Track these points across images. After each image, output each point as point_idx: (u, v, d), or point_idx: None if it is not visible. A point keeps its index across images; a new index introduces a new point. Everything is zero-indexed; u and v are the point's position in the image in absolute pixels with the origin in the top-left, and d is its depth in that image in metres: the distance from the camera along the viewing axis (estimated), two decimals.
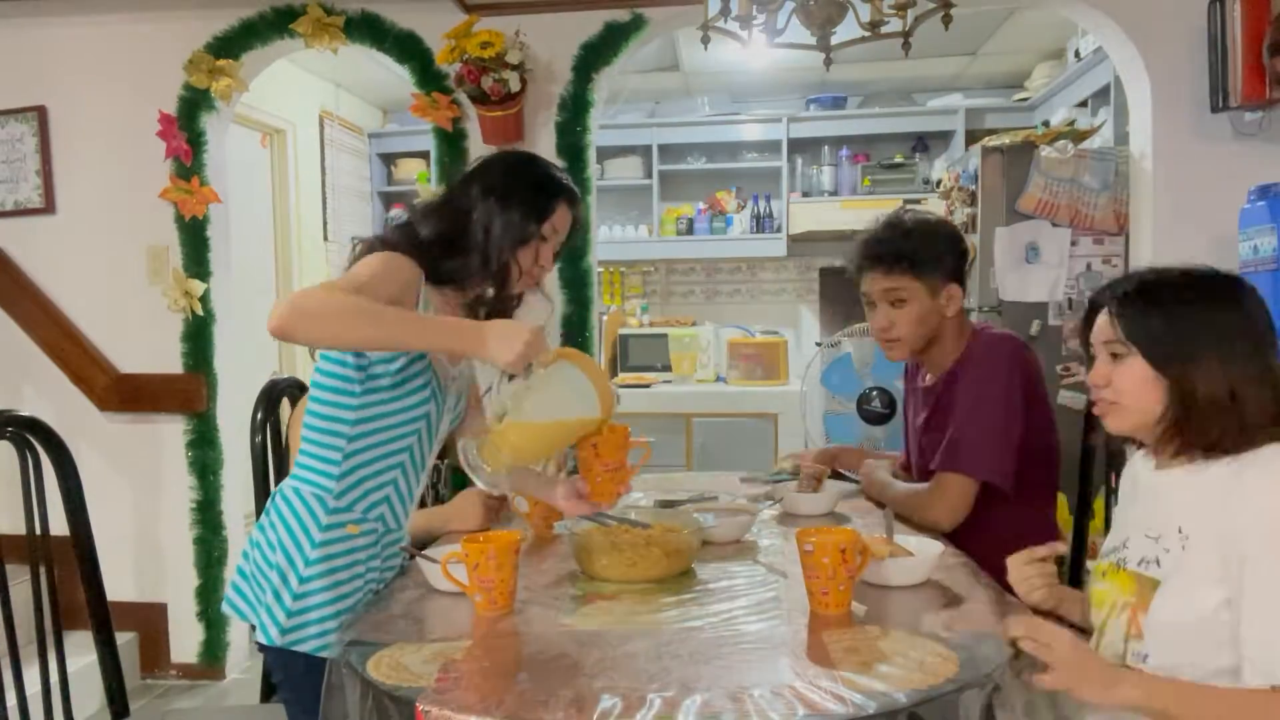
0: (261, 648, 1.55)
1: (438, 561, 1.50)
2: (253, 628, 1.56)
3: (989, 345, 1.90)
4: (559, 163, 3.08)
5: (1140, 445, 1.38)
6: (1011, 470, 1.81)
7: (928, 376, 2.02)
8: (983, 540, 1.74)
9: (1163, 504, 1.31)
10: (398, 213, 1.75)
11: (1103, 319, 1.34)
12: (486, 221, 1.59)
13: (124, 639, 3.17)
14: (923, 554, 1.47)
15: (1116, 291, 1.34)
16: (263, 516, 1.59)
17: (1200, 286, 1.30)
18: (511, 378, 1.43)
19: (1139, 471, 1.39)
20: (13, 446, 1.64)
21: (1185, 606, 1.23)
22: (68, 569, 1.68)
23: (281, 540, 1.52)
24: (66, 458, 1.67)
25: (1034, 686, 1.20)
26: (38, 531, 1.62)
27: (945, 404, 1.92)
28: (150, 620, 3.27)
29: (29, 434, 1.64)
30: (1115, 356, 1.32)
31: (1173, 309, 1.29)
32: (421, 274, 1.54)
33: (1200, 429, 1.26)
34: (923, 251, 1.89)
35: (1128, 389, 1.31)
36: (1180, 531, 1.26)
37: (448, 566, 1.41)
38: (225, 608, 1.60)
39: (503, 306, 1.68)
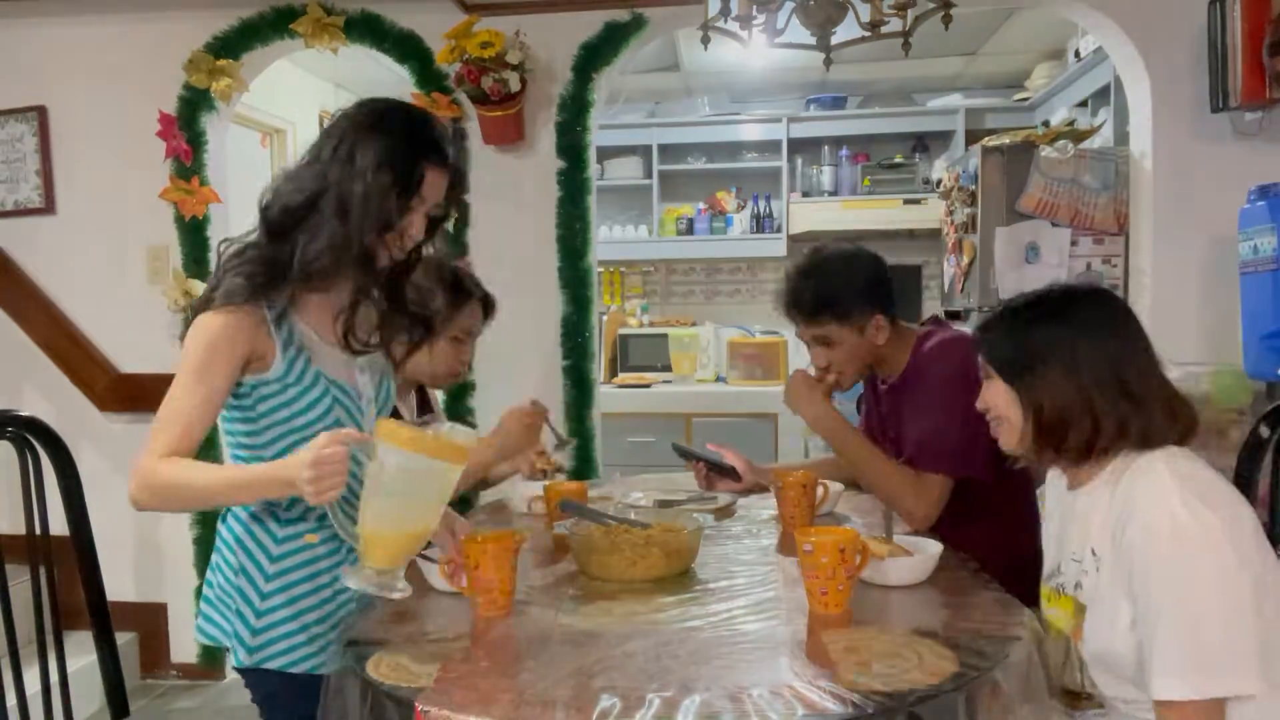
0: (237, 669, 1.51)
1: (437, 561, 1.50)
2: (227, 650, 1.52)
3: (945, 347, 1.94)
4: (559, 163, 3.09)
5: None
6: (985, 462, 1.81)
7: (887, 379, 2.05)
8: (969, 532, 1.76)
9: (1078, 526, 1.34)
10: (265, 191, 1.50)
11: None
12: (342, 201, 1.38)
13: (124, 639, 3.17)
14: (922, 553, 1.47)
15: (982, 319, 1.45)
16: (217, 539, 1.53)
17: (1049, 304, 1.37)
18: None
19: (1059, 493, 1.43)
20: (12, 446, 1.64)
21: (1109, 628, 1.25)
22: (68, 569, 1.68)
23: (241, 561, 1.47)
24: (66, 458, 1.67)
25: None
26: (38, 531, 1.63)
27: (901, 403, 1.97)
28: (150, 620, 3.27)
29: (29, 434, 1.64)
30: (988, 378, 1.41)
31: (1020, 328, 1.37)
32: (264, 314, 1.40)
33: (1057, 439, 1.32)
34: (838, 295, 1.92)
35: (999, 406, 1.39)
36: (1094, 554, 1.29)
37: (442, 572, 1.41)
38: (198, 636, 1.53)
39: (391, 289, 1.51)
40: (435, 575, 1.48)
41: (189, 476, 1.33)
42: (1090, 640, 1.28)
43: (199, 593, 3.17)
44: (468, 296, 2.01)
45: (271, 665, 1.45)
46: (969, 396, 1.84)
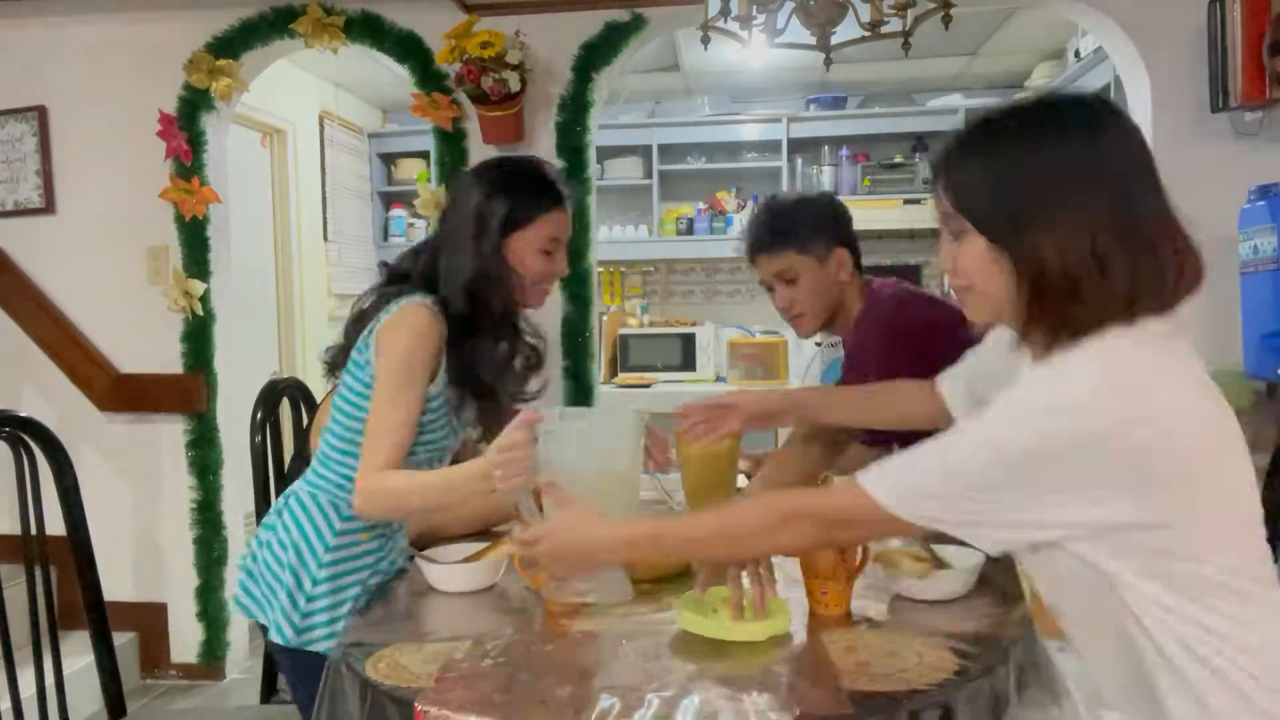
0: (274, 647, 1.58)
1: (437, 562, 1.50)
2: (263, 628, 1.59)
3: (898, 303, 1.91)
4: (558, 163, 3.09)
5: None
6: None
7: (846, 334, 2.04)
8: None
9: None
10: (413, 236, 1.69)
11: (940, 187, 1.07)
12: (497, 253, 1.55)
13: (124, 639, 3.17)
14: (964, 567, 1.40)
15: (945, 150, 1.07)
16: (273, 516, 1.61)
17: (1043, 123, 1.01)
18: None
19: (1013, 361, 1.13)
20: (8, 446, 1.64)
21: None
22: (67, 569, 1.67)
23: (295, 542, 1.55)
24: (63, 457, 1.67)
25: None
26: (33, 531, 1.62)
27: (855, 354, 1.96)
28: (150, 620, 3.27)
29: (24, 434, 1.64)
30: (956, 235, 1.06)
31: (1006, 161, 1.01)
32: (443, 333, 1.52)
33: (1060, 312, 0.99)
34: (800, 226, 1.91)
35: (972, 271, 1.05)
36: None
37: (520, 560, 1.40)
38: (235, 607, 1.63)
39: (526, 346, 1.67)
40: (436, 575, 1.49)
41: (415, 484, 1.46)
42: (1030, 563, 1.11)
43: (199, 592, 3.21)
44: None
45: (316, 648, 1.52)
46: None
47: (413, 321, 1.48)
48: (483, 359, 1.55)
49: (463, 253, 1.54)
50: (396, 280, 1.60)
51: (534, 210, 1.57)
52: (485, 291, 1.54)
